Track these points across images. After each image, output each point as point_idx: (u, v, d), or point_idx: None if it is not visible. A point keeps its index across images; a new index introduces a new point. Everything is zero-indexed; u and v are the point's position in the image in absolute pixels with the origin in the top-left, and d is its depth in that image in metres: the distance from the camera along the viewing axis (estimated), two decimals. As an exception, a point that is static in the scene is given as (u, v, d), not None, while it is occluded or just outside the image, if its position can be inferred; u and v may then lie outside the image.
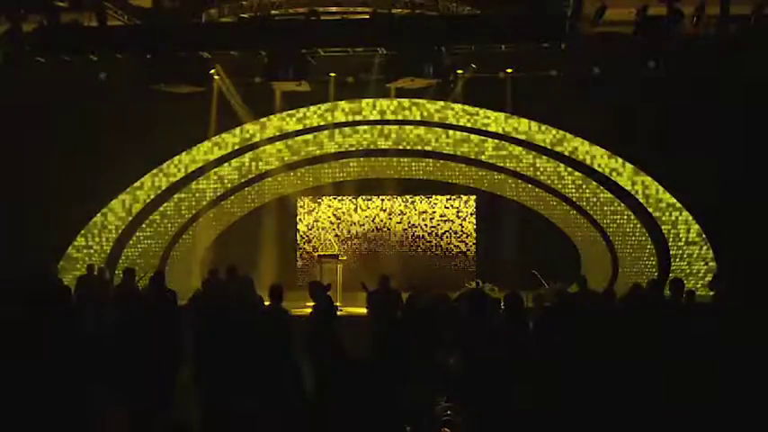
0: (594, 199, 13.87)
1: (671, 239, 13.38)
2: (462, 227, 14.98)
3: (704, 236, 13.20)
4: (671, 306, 6.99)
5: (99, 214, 14.10)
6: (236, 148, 14.43)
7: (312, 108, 14.23)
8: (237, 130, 14.33)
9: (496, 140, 14.15)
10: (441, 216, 15.06)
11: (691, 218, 13.27)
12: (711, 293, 9.63)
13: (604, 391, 5.44)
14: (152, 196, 14.31)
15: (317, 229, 15.15)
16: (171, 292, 7.49)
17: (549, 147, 13.90)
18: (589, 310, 6.86)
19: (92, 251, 14.04)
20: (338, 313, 10.75)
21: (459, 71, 12.82)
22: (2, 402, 4.74)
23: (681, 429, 5.50)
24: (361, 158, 14.70)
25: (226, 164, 14.48)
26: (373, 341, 6.97)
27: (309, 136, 14.46)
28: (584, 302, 7.54)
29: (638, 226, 13.61)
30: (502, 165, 14.24)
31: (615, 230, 13.78)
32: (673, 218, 13.40)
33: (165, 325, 6.44)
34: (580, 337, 5.87)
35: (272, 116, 14.23)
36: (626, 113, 12.59)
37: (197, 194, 14.49)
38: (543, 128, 13.86)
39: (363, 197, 15.12)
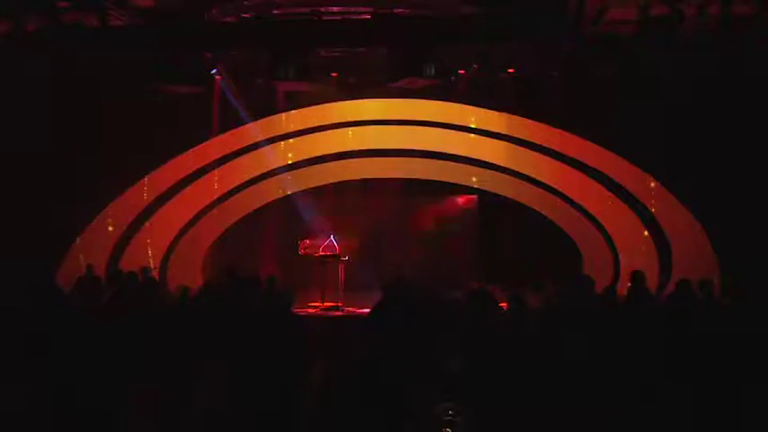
0: (595, 199, 13.86)
1: (671, 239, 13.37)
2: (463, 226, 14.95)
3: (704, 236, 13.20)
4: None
5: (99, 214, 14.11)
6: (237, 148, 14.46)
7: (312, 108, 14.25)
8: (237, 130, 14.35)
9: (496, 140, 14.16)
10: (441, 216, 15.04)
11: (691, 218, 13.27)
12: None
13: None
14: (152, 196, 14.31)
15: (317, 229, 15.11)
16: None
17: (548, 147, 13.92)
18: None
19: (92, 251, 14.02)
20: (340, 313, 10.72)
21: (460, 71, 12.84)
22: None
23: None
24: (362, 158, 14.72)
25: (226, 164, 14.49)
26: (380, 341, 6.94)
27: (309, 136, 14.48)
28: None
29: (639, 226, 13.61)
30: (502, 165, 14.25)
31: (615, 230, 13.77)
32: (673, 218, 13.40)
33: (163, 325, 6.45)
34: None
35: (272, 116, 14.25)
36: (627, 113, 12.60)
37: (197, 194, 14.49)
38: (543, 128, 13.87)
39: (363, 197, 15.10)
